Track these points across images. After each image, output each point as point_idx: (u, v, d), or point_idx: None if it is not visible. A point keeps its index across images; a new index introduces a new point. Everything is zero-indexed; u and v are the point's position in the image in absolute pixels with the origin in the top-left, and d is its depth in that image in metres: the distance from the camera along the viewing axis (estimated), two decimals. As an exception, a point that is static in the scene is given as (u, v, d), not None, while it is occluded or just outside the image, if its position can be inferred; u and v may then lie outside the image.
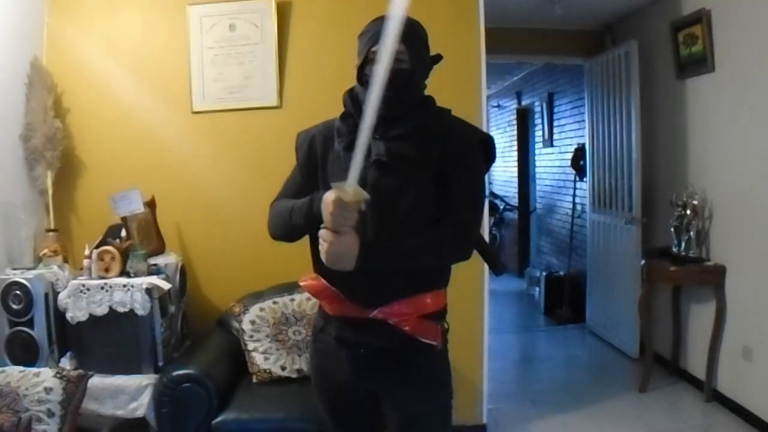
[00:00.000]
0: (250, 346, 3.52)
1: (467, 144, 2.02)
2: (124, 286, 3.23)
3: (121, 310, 3.22)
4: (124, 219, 3.48)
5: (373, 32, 1.94)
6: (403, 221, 1.93)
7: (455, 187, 1.97)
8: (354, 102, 2.02)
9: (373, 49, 1.91)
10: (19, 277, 3.22)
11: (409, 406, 2.06)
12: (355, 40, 2.03)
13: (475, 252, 2.08)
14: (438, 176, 1.96)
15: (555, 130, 8.26)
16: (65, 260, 3.59)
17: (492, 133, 11.09)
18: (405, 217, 1.93)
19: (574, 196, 7.31)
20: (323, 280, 2.05)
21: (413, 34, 1.97)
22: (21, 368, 2.83)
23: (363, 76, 2.00)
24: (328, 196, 1.76)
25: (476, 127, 2.12)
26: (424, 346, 2.01)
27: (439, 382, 2.11)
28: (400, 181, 1.93)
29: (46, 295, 3.24)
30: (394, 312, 1.98)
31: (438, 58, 2.10)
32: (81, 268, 3.43)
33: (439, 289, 2.08)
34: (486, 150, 2.08)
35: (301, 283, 2.15)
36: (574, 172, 7.18)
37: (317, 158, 2.08)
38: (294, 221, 1.99)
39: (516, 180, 9.95)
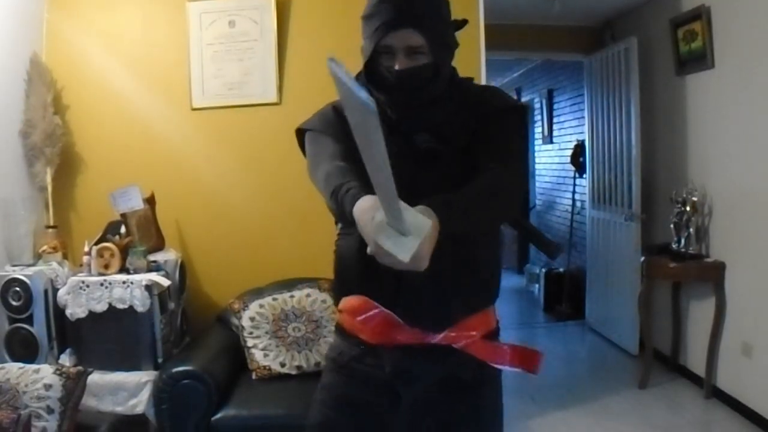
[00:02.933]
0: (250, 342, 3.52)
1: (503, 106, 1.76)
2: (124, 282, 3.23)
3: (120, 306, 3.21)
4: (123, 215, 3.48)
5: (383, 18, 1.61)
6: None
7: (497, 139, 1.69)
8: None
9: (386, 41, 1.62)
10: (18, 273, 3.22)
11: None
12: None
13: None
14: (476, 141, 1.69)
15: (554, 126, 8.26)
16: (65, 257, 3.59)
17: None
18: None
19: (573, 192, 7.31)
20: (373, 303, 1.68)
21: (429, 12, 1.64)
22: (20, 365, 2.83)
23: (374, 75, 1.70)
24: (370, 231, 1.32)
25: (507, 93, 1.89)
26: (491, 373, 1.74)
27: (500, 414, 1.82)
28: (448, 170, 1.66)
29: (46, 292, 3.24)
30: (461, 334, 1.68)
31: (462, 23, 1.78)
32: (80, 265, 3.42)
33: (493, 303, 1.80)
34: (520, 116, 1.85)
35: (340, 307, 1.80)
36: (573, 168, 7.18)
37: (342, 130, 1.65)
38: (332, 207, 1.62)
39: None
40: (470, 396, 1.72)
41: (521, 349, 1.75)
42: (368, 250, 1.32)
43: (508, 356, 1.73)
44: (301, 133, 1.86)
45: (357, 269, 1.69)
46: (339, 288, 1.83)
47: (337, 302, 1.83)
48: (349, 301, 1.75)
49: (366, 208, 1.37)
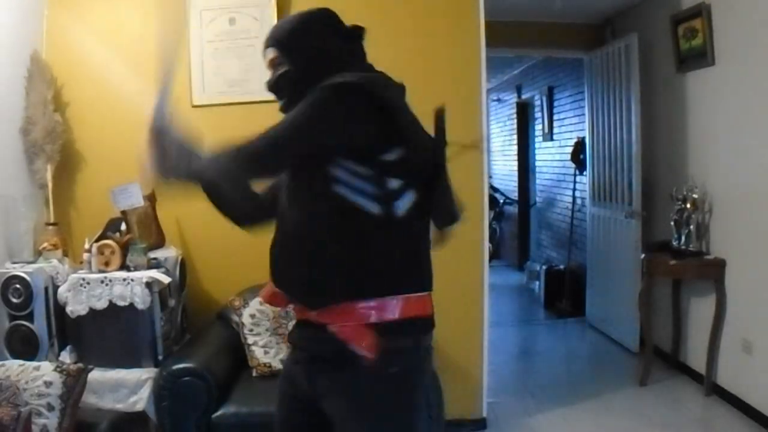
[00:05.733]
0: (250, 339, 3.52)
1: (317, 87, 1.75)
2: (124, 279, 3.23)
3: (121, 303, 3.21)
4: (124, 213, 3.48)
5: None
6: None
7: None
8: None
9: (264, 59, 1.96)
10: (18, 270, 3.22)
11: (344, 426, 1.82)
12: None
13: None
14: None
15: (555, 123, 8.25)
16: (65, 254, 3.59)
17: (492, 127, 11.16)
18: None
19: (574, 189, 7.30)
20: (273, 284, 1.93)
21: (280, 33, 1.93)
22: (21, 362, 2.83)
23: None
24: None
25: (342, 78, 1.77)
26: (358, 359, 1.71)
27: (378, 407, 1.79)
28: (290, 185, 1.86)
29: (46, 289, 3.24)
30: (333, 318, 1.75)
31: (356, 30, 1.96)
32: (81, 262, 3.42)
33: (388, 295, 1.75)
34: (325, 93, 1.72)
35: (260, 294, 2.09)
36: (574, 165, 7.18)
37: None
38: None
39: (516, 174, 9.95)
40: (333, 375, 1.80)
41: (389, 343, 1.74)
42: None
43: (366, 341, 1.72)
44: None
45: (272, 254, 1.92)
46: None
47: None
48: (266, 287, 1.99)
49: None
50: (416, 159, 1.78)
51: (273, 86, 1.94)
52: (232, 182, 1.86)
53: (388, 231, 1.75)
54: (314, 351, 1.84)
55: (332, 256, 1.75)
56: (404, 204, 1.75)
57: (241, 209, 2.05)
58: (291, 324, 3.49)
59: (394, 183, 1.74)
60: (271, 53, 1.92)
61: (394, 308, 1.75)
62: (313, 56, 1.86)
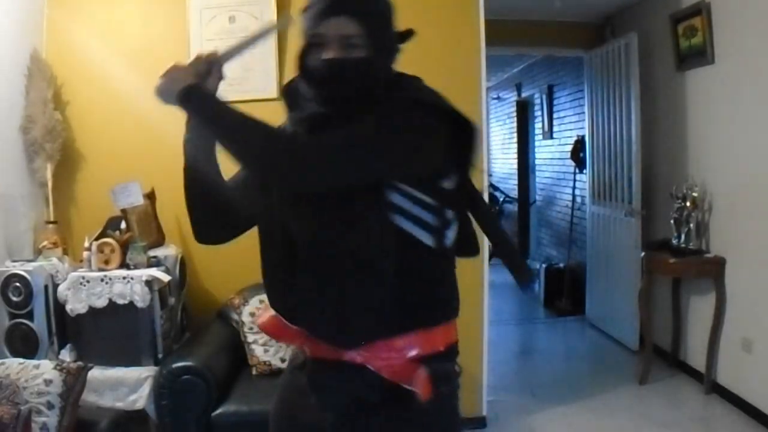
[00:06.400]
0: (250, 338, 3.52)
1: (398, 103, 1.53)
2: (124, 278, 3.23)
3: (120, 302, 3.22)
4: (123, 211, 3.48)
5: (318, 7, 1.53)
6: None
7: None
8: (292, 99, 1.66)
9: (318, 30, 1.53)
10: (18, 269, 3.22)
11: None
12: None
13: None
14: None
15: (555, 122, 8.25)
16: (65, 252, 3.59)
17: (492, 125, 11.16)
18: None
19: (573, 188, 7.30)
20: (281, 319, 1.65)
21: (367, 5, 1.55)
22: (21, 360, 2.83)
23: (305, 68, 1.58)
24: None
25: (426, 93, 1.60)
26: (411, 395, 1.54)
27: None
28: (340, 203, 1.50)
29: (46, 288, 3.24)
30: (376, 355, 1.55)
31: (407, 34, 1.66)
32: (81, 261, 3.43)
33: (435, 326, 1.61)
34: (403, 110, 1.52)
35: (258, 322, 1.78)
36: (573, 164, 7.18)
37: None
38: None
39: (516, 172, 9.95)
40: (380, 421, 1.58)
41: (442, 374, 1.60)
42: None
43: (418, 379, 1.54)
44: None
45: (269, 277, 1.70)
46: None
47: None
48: (265, 316, 1.73)
49: None
50: (469, 186, 1.66)
51: (338, 68, 1.52)
52: (271, 158, 1.49)
53: (437, 261, 1.61)
54: (353, 395, 1.58)
55: (380, 288, 1.50)
56: (452, 234, 1.63)
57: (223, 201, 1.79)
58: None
59: (450, 213, 1.60)
60: (350, 27, 1.51)
61: (440, 337, 1.61)
62: (390, 51, 1.62)
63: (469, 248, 1.75)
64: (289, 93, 1.66)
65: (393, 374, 1.55)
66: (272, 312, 1.67)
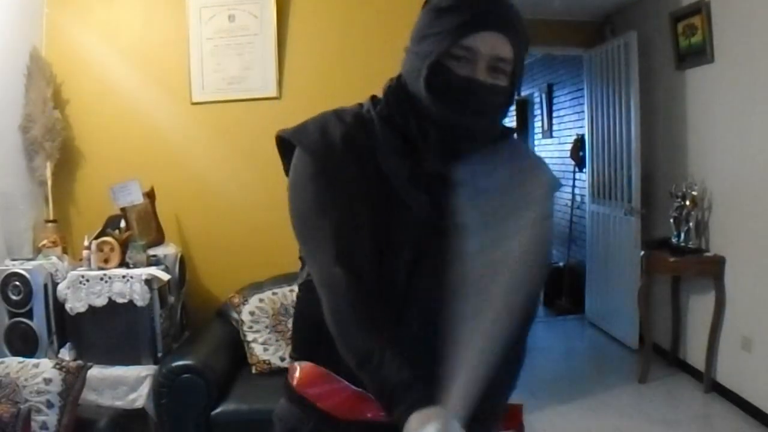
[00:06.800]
0: (250, 336, 3.52)
1: (549, 185, 1.41)
2: (124, 277, 3.23)
3: (120, 301, 3.22)
4: (123, 210, 3.48)
5: (469, 13, 1.22)
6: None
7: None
8: (403, 107, 1.30)
9: (467, 42, 1.22)
10: (18, 267, 3.22)
11: None
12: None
13: None
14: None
15: (554, 121, 8.25)
16: (64, 251, 3.59)
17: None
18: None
19: (573, 186, 7.30)
20: (335, 377, 1.35)
21: (523, 32, 1.26)
22: (20, 359, 2.83)
23: (435, 80, 1.24)
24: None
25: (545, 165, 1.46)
26: None
27: None
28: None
29: (46, 286, 3.24)
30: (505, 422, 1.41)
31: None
32: (80, 259, 3.43)
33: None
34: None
35: (305, 389, 1.40)
36: (573, 162, 7.18)
37: (353, 167, 1.28)
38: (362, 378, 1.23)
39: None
40: None
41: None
42: None
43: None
44: (284, 143, 1.36)
45: (326, 335, 1.28)
46: (300, 347, 1.48)
47: (294, 357, 1.50)
48: (310, 369, 1.40)
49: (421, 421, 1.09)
50: None
51: (486, 93, 1.25)
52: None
53: None
54: None
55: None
56: None
57: None
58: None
59: None
60: (506, 50, 1.24)
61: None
62: (519, 86, 1.33)
63: None
64: (399, 100, 1.32)
65: None
66: (323, 371, 1.38)
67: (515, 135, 1.46)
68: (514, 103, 1.36)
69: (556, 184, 1.48)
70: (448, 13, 1.23)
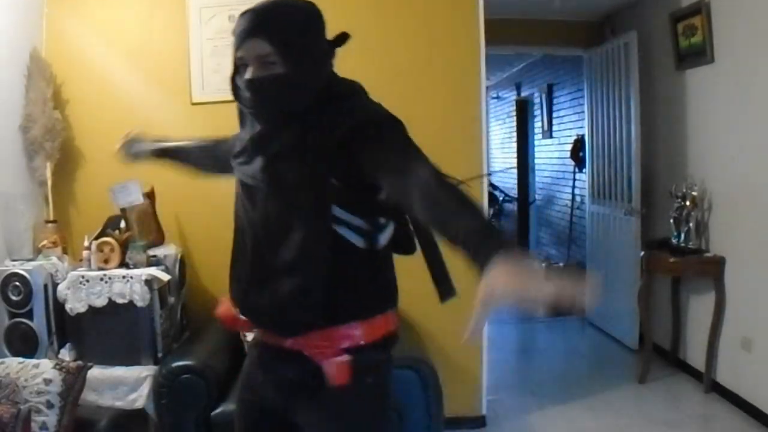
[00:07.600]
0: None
1: (371, 124, 1.61)
2: (124, 277, 3.23)
3: (120, 301, 3.21)
4: (123, 210, 3.48)
5: (236, 31, 1.64)
6: (287, 261, 1.65)
7: (387, 152, 1.55)
8: (242, 116, 1.77)
9: (239, 53, 1.64)
10: (18, 268, 3.22)
11: None
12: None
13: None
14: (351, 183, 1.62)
15: (554, 121, 8.26)
16: (64, 251, 3.58)
17: (491, 125, 11.16)
18: (289, 257, 1.64)
19: (573, 187, 7.31)
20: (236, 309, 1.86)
21: (278, 24, 1.63)
22: (20, 359, 2.83)
23: (236, 90, 1.70)
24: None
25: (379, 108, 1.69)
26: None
27: (359, 421, 1.79)
28: (282, 211, 1.66)
29: (46, 287, 3.24)
30: (311, 343, 1.71)
31: (341, 39, 1.75)
32: (80, 260, 3.42)
33: (367, 318, 1.74)
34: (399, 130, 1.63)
35: (217, 312, 1.99)
36: (573, 163, 7.19)
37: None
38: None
39: (515, 171, 9.95)
40: (310, 395, 1.76)
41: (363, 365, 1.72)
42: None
43: (338, 369, 1.70)
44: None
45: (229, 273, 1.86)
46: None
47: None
48: (223, 305, 1.94)
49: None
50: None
51: (258, 87, 1.62)
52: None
53: (368, 259, 1.74)
54: (289, 376, 1.78)
55: (315, 285, 1.65)
56: (385, 237, 1.75)
57: None
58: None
59: (382, 219, 1.73)
60: (263, 47, 1.59)
61: (372, 329, 1.74)
62: (311, 61, 1.66)
63: (405, 247, 1.85)
64: (240, 111, 1.77)
65: (322, 361, 1.71)
66: (228, 303, 1.87)
67: (352, 97, 1.72)
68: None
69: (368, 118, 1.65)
70: (234, 33, 1.64)
